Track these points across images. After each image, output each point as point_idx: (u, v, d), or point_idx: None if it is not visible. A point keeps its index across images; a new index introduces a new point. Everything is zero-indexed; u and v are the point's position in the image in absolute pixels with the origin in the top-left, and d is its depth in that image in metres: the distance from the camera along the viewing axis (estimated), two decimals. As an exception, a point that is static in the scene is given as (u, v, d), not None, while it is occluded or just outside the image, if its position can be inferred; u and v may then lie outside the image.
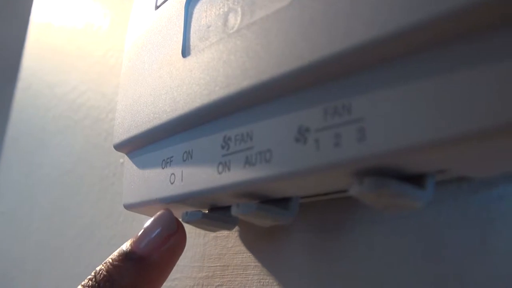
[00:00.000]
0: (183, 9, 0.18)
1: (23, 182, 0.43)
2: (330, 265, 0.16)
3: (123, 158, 0.21)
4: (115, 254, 0.17)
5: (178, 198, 0.17)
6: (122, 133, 0.20)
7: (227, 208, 0.17)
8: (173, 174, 0.17)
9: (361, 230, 0.15)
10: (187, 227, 0.22)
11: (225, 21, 0.16)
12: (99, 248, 0.29)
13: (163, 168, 0.18)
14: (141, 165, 0.19)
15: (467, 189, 0.13)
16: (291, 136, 0.13)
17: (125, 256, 0.16)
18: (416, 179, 0.12)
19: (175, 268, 0.22)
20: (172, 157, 0.17)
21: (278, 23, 0.13)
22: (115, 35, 0.34)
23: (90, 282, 0.16)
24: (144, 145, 0.19)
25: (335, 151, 0.12)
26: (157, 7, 0.20)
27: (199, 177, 0.16)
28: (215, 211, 0.17)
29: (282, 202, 0.15)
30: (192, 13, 0.18)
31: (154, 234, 0.17)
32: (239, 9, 0.15)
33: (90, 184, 0.32)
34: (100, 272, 0.16)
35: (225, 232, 0.20)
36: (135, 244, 0.17)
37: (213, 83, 0.15)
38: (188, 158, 0.16)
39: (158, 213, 0.17)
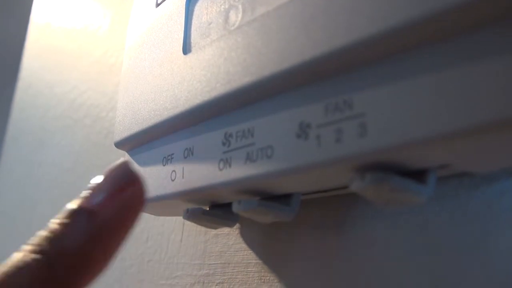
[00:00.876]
0: (184, 6, 0.18)
1: (23, 181, 0.43)
2: (332, 262, 0.16)
3: (124, 157, 0.21)
4: (63, 210, 0.14)
5: (179, 195, 0.17)
6: (123, 130, 0.20)
7: (228, 205, 0.17)
8: (174, 171, 0.17)
9: (363, 227, 0.15)
10: (189, 224, 0.22)
11: (226, 18, 0.16)
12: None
13: (164, 165, 0.18)
14: (142, 163, 0.19)
15: (469, 184, 0.13)
16: (292, 132, 0.13)
17: (72, 213, 0.14)
18: (417, 175, 0.12)
19: (175, 266, 0.22)
20: (173, 154, 0.17)
21: (279, 20, 0.13)
22: (114, 34, 0.34)
23: (30, 246, 0.13)
24: (145, 142, 0.19)
25: (336, 146, 0.12)
26: (158, 5, 0.20)
27: (200, 173, 0.16)
28: (216, 208, 0.17)
29: (283, 199, 0.15)
30: (193, 10, 0.18)
31: (107, 187, 0.14)
32: (240, 6, 0.15)
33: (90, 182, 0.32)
34: (43, 233, 0.14)
35: (226, 229, 0.20)
36: (85, 198, 0.14)
37: (214, 80, 0.15)
38: (189, 155, 0.16)
39: (115, 163, 0.15)
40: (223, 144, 0.15)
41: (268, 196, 0.15)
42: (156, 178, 0.18)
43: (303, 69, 0.13)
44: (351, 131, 0.11)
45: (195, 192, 0.16)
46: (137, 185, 0.14)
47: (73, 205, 0.14)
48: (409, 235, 0.14)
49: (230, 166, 0.15)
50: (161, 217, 0.24)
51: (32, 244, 0.13)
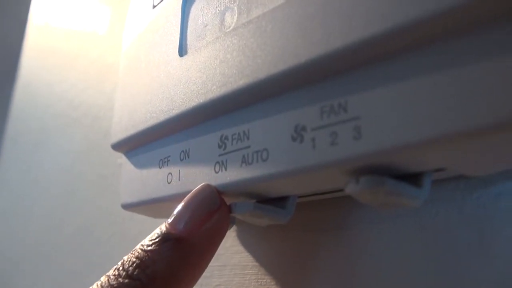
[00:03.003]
0: (180, 8, 0.18)
1: (22, 181, 0.43)
2: (327, 264, 0.16)
3: (121, 158, 0.21)
4: (147, 238, 0.14)
5: (175, 198, 0.17)
6: (120, 132, 0.19)
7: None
8: (170, 173, 0.17)
9: (358, 229, 0.15)
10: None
11: (222, 20, 0.16)
12: (98, 247, 0.29)
13: (160, 168, 0.18)
14: (139, 165, 0.19)
15: (464, 187, 0.13)
16: (287, 135, 0.13)
17: (160, 239, 0.14)
18: (413, 178, 0.12)
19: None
20: (169, 156, 0.17)
21: (274, 22, 0.13)
22: (113, 34, 0.34)
23: (117, 271, 0.13)
24: (141, 144, 0.19)
25: (331, 149, 0.12)
26: (154, 6, 0.20)
27: (196, 176, 0.16)
28: (213, 210, 0.17)
29: (279, 201, 0.15)
30: (189, 12, 0.18)
31: (193, 212, 0.14)
32: (235, 8, 0.15)
33: (88, 182, 0.32)
34: (129, 259, 0.14)
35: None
36: (171, 224, 0.14)
37: (209, 82, 0.15)
38: (185, 157, 0.16)
39: (198, 187, 0.15)
40: (219, 146, 0.15)
41: (264, 199, 0.15)
42: (153, 180, 0.18)
43: (298, 71, 0.13)
44: (346, 134, 0.11)
45: (191, 195, 0.16)
46: (223, 210, 0.15)
47: (160, 230, 0.14)
48: (405, 238, 0.14)
49: (226, 169, 0.15)
50: (158, 219, 0.24)
51: (120, 270, 0.14)
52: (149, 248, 0.14)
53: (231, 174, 0.14)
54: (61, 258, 0.33)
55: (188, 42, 0.17)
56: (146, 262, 0.13)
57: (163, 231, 0.14)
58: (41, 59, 0.46)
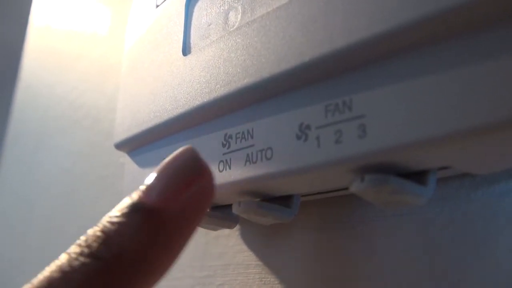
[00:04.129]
0: (184, 7, 0.18)
1: (23, 182, 0.43)
2: (332, 263, 0.16)
3: (123, 158, 0.21)
4: (115, 208, 0.12)
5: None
6: (123, 131, 0.19)
7: (228, 206, 0.17)
8: (173, 172, 0.17)
9: (363, 228, 0.15)
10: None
11: (226, 19, 0.16)
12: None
13: (163, 167, 0.17)
14: (142, 164, 0.19)
15: (469, 185, 0.13)
16: (292, 134, 0.13)
17: (131, 209, 0.11)
18: (417, 176, 0.12)
19: (175, 267, 0.22)
20: (172, 155, 0.17)
21: (279, 21, 0.13)
22: (114, 35, 0.34)
23: (79, 248, 0.11)
24: (145, 143, 0.19)
25: (336, 148, 0.12)
26: (157, 6, 0.20)
27: (200, 175, 0.16)
28: (216, 209, 0.17)
29: (283, 200, 0.15)
30: (192, 11, 0.18)
31: (169, 179, 0.12)
32: (239, 7, 0.15)
33: (89, 184, 0.32)
34: (94, 233, 0.11)
35: (226, 231, 0.20)
36: (144, 193, 0.12)
37: (213, 81, 0.15)
38: (188, 156, 0.16)
39: (177, 150, 0.13)
40: (223, 145, 0.15)
41: (268, 198, 0.15)
42: (156, 179, 0.18)
43: (302, 70, 0.13)
44: (351, 133, 0.11)
45: (195, 194, 0.16)
46: (206, 177, 0.12)
47: (131, 200, 0.12)
48: (409, 236, 0.14)
49: (230, 167, 0.15)
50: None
51: (83, 246, 0.11)
52: (116, 220, 0.11)
53: (235, 173, 0.14)
54: (63, 259, 0.32)
55: (191, 41, 0.17)
56: (112, 237, 0.11)
57: (134, 200, 0.12)
58: (42, 60, 0.46)
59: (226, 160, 0.15)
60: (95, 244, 0.11)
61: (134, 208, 0.11)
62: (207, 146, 0.16)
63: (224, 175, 0.15)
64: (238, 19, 0.15)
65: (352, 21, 0.11)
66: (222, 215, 0.17)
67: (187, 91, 0.16)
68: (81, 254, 0.11)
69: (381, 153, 0.11)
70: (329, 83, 0.12)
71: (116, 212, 0.12)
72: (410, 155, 0.11)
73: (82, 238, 0.11)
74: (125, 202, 0.12)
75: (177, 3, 0.18)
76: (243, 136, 0.14)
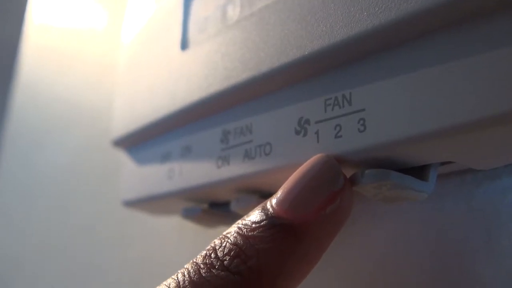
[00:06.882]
0: (182, 1, 0.18)
1: (22, 182, 0.43)
2: (331, 260, 0.15)
3: (121, 155, 0.21)
4: (246, 219, 0.11)
5: (177, 194, 0.16)
6: (120, 128, 0.19)
7: (227, 203, 0.17)
8: (172, 169, 0.17)
9: (362, 223, 0.15)
10: (187, 224, 0.22)
11: (224, 12, 0.16)
12: (98, 247, 0.29)
13: (161, 163, 0.17)
14: (140, 161, 0.19)
15: (471, 181, 0.13)
16: (291, 129, 0.13)
17: (267, 223, 0.11)
18: (418, 171, 0.12)
19: (172, 267, 0.22)
20: (171, 152, 0.17)
21: (277, 14, 0.13)
22: (112, 33, 0.34)
23: (209, 259, 0.11)
24: (143, 140, 0.19)
25: (335, 142, 0.12)
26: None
27: (198, 171, 0.15)
28: (215, 206, 0.17)
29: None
30: (190, 5, 0.17)
31: (311, 191, 0.11)
32: (237, 1, 0.15)
33: (88, 183, 0.32)
34: (223, 244, 0.11)
35: (225, 228, 0.20)
36: (280, 205, 0.11)
37: (212, 76, 0.15)
38: (187, 152, 0.16)
39: (312, 158, 0.11)
40: (221, 141, 0.15)
41: (267, 194, 0.15)
42: (154, 176, 0.18)
43: (301, 64, 0.12)
44: (350, 127, 0.11)
45: (193, 191, 0.16)
46: (347, 190, 0.11)
47: (265, 211, 0.11)
48: (410, 232, 0.14)
49: (228, 163, 0.14)
50: (159, 217, 0.23)
51: (213, 258, 0.11)
52: (250, 233, 0.11)
53: (234, 169, 0.14)
54: (62, 258, 0.32)
55: (190, 36, 0.17)
56: (247, 251, 0.10)
57: (269, 213, 0.11)
58: (40, 59, 0.46)
59: (225, 156, 0.15)
60: (228, 258, 0.10)
61: (271, 223, 0.11)
62: (206, 142, 0.15)
63: (223, 171, 0.14)
64: (237, 13, 0.15)
65: (351, 14, 0.11)
66: (221, 212, 0.17)
67: (185, 86, 0.16)
68: (212, 266, 0.10)
69: (381, 148, 0.11)
70: (328, 77, 0.12)
71: (248, 223, 0.11)
72: (411, 150, 0.11)
73: (209, 248, 0.11)
74: (259, 213, 0.11)
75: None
76: (241, 131, 0.14)
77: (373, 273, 0.14)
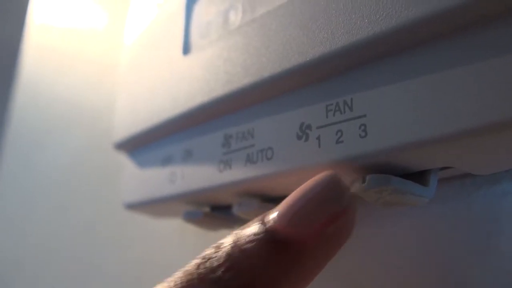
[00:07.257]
0: (184, 6, 0.18)
1: (22, 182, 0.43)
2: (330, 263, 0.16)
3: (123, 158, 0.21)
4: (243, 230, 0.11)
5: (179, 197, 0.16)
6: (122, 131, 0.19)
7: (228, 206, 0.17)
8: (173, 172, 0.17)
9: (363, 228, 0.15)
10: (188, 226, 0.22)
11: (226, 18, 0.16)
12: (99, 249, 0.29)
13: (163, 167, 0.17)
14: (141, 164, 0.19)
15: (471, 186, 0.13)
16: (292, 134, 0.13)
17: (264, 237, 0.10)
18: (419, 176, 0.12)
19: (173, 269, 0.22)
20: (172, 155, 0.17)
21: (279, 20, 0.13)
22: (113, 34, 0.34)
23: (200, 269, 0.10)
24: (144, 143, 0.19)
25: (336, 148, 0.12)
26: (157, 4, 0.20)
27: (200, 175, 0.16)
28: (216, 210, 0.17)
29: (283, 200, 0.15)
30: (193, 10, 0.17)
31: (313, 209, 0.10)
32: (240, 6, 0.15)
33: (89, 183, 0.32)
34: (216, 254, 0.10)
35: (226, 231, 0.20)
36: (280, 220, 0.10)
37: (213, 80, 0.15)
38: (188, 156, 0.16)
39: (320, 175, 0.11)
40: (223, 145, 0.15)
41: (269, 198, 0.15)
42: (156, 179, 0.18)
43: (303, 69, 0.13)
44: (352, 133, 0.11)
45: (195, 194, 0.16)
46: (352, 210, 0.11)
47: (263, 225, 0.10)
48: (410, 237, 0.14)
49: (230, 167, 0.14)
50: (160, 219, 0.24)
51: (207, 266, 0.10)
52: (246, 245, 0.10)
53: (235, 173, 0.14)
54: (62, 259, 0.32)
55: (192, 40, 0.17)
56: (241, 265, 0.10)
57: (267, 226, 0.10)
58: (41, 59, 0.46)
59: (227, 160, 0.15)
60: (221, 271, 0.10)
61: (269, 237, 0.10)
62: (207, 146, 0.16)
63: (225, 175, 0.15)
64: (239, 18, 0.15)
65: (352, 21, 0.11)
66: (222, 215, 0.17)
67: (187, 90, 0.16)
68: (204, 277, 0.10)
69: (382, 153, 0.11)
70: (330, 83, 0.12)
71: (244, 235, 0.10)
72: (411, 155, 0.11)
73: (202, 257, 0.11)
74: (256, 226, 0.11)
75: (177, 1, 0.18)
76: (243, 136, 0.14)
77: (373, 277, 0.14)
